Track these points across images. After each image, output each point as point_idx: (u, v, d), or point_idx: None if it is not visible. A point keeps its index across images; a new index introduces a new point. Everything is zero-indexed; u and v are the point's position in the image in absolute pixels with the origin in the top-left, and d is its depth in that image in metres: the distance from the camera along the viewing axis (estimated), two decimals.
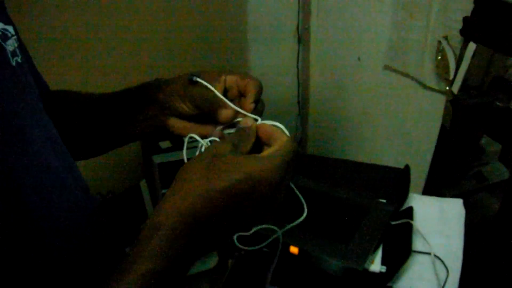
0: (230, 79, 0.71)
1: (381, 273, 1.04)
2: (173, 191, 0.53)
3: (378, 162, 1.64)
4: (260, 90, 0.71)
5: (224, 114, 0.68)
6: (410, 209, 1.17)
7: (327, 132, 2.33)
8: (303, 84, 2.39)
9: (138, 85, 0.81)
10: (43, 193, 0.57)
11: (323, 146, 2.39)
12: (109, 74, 2.04)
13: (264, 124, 0.66)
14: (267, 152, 0.58)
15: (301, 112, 2.46)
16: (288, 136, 0.62)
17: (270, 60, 2.33)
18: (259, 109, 0.71)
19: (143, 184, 2.19)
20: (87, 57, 1.97)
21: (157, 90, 0.76)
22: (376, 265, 1.04)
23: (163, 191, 1.81)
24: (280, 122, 2.17)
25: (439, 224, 1.19)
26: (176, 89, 0.73)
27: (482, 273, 1.22)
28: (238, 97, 0.72)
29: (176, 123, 0.76)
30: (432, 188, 1.84)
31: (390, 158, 1.92)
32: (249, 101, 0.70)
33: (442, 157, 1.78)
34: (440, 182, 2.01)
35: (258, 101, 0.71)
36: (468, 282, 1.08)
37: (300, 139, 2.55)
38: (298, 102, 2.44)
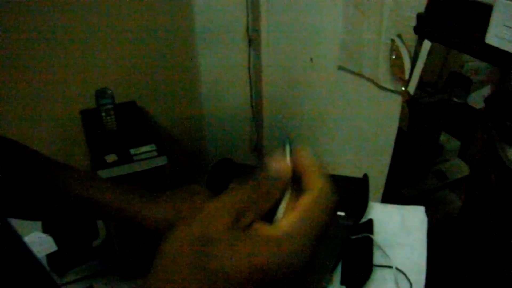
0: None
1: None
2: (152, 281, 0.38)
3: (336, 168, 1.57)
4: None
5: None
6: (370, 222, 1.10)
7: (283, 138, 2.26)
8: (255, 87, 2.33)
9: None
10: None
11: None
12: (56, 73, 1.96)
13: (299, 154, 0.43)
14: (286, 221, 0.38)
15: (255, 117, 2.38)
16: (324, 181, 0.41)
17: (220, 63, 2.26)
18: None
19: None
20: (33, 60, 1.90)
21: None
22: (335, 285, 0.97)
23: None
24: (234, 127, 2.08)
25: (400, 235, 1.12)
26: None
27: (446, 281, 1.16)
28: None
29: None
30: (392, 189, 1.79)
31: (347, 163, 1.86)
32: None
33: (401, 158, 1.73)
34: (400, 182, 1.96)
35: None
36: None
37: (255, 146, 2.47)
38: (252, 106, 2.36)
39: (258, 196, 0.40)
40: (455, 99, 2.28)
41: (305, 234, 0.37)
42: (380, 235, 1.09)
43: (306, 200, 0.39)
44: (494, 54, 1.12)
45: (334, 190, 0.40)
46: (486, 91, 2.39)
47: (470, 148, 2.51)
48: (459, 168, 2.55)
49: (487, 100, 1.83)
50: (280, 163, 0.42)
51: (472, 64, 2.47)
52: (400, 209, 1.21)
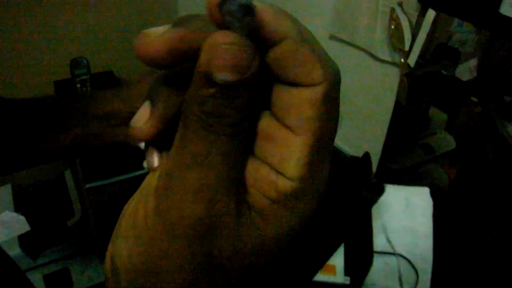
0: None
1: (344, 285, 0.88)
2: None
3: None
4: None
5: None
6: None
7: None
8: None
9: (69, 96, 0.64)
10: None
11: None
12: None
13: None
14: (298, 166, 0.26)
15: None
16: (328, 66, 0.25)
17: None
18: None
19: (67, 173, 2.08)
20: (3, 26, 1.79)
21: (110, 99, 0.61)
22: (338, 276, 0.89)
23: (87, 185, 1.61)
24: None
25: (405, 218, 1.05)
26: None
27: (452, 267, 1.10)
28: None
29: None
30: (380, 164, 1.73)
31: (339, 138, 1.78)
32: None
33: (393, 132, 1.67)
34: (389, 157, 1.91)
35: None
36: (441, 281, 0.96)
37: None
38: None
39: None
40: (443, 71, 2.22)
41: (319, 177, 0.27)
42: (383, 218, 1.02)
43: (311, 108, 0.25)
44: (510, 27, 1.04)
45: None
46: (473, 63, 2.34)
47: (457, 121, 2.48)
48: (446, 142, 2.51)
49: (479, 72, 1.77)
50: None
51: (459, 35, 2.41)
52: (403, 190, 1.13)
